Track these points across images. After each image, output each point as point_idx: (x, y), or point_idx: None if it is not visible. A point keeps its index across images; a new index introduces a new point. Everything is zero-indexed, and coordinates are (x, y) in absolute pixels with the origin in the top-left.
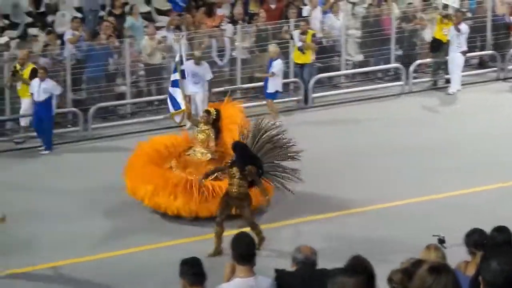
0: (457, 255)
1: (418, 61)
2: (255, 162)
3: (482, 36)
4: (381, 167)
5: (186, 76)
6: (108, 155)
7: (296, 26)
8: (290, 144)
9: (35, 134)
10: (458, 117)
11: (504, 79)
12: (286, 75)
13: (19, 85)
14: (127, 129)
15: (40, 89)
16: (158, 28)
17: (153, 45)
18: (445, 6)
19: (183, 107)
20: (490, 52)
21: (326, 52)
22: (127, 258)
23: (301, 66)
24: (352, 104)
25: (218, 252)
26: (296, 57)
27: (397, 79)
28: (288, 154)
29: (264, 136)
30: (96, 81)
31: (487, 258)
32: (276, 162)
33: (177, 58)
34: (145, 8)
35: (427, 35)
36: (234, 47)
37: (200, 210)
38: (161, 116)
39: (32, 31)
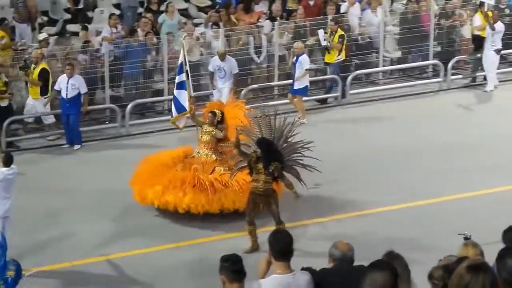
0: (495, 253)
1: (457, 58)
2: (279, 158)
3: None
4: (417, 165)
5: (189, 77)
6: (144, 152)
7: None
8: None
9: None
10: (495, 115)
11: None
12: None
13: (29, 84)
14: (164, 125)
15: (69, 85)
16: (196, 25)
17: (191, 42)
18: (482, 4)
19: (188, 109)
20: None
21: (364, 48)
22: (147, 257)
23: (327, 64)
24: (389, 101)
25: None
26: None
27: (435, 76)
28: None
29: (283, 133)
30: (134, 78)
31: (502, 256)
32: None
33: (181, 59)
34: (183, 5)
35: (466, 31)
36: (272, 43)
37: (210, 204)
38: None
39: (71, 27)
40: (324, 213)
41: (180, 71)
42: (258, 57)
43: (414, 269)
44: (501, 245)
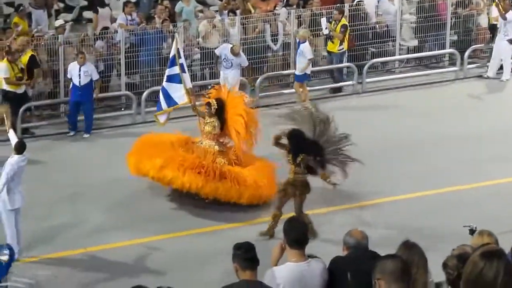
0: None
1: (473, 47)
2: (309, 150)
3: None
4: (432, 154)
5: (185, 70)
6: None
7: (350, 10)
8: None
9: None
10: (511, 105)
11: None
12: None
13: None
14: (180, 113)
15: (81, 73)
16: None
17: (208, 29)
18: None
19: (181, 101)
20: None
21: (381, 37)
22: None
23: (330, 53)
24: (405, 90)
25: (270, 234)
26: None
27: (452, 65)
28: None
29: (323, 125)
30: (150, 65)
31: None
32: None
33: (173, 52)
34: None
35: (483, 20)
36: (287, 31)
37: (205, 188)
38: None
39: (87, 14)
40: (338, 202)
41: (172, 64)
42: (275, 44)
43: (428, 258)
44: None
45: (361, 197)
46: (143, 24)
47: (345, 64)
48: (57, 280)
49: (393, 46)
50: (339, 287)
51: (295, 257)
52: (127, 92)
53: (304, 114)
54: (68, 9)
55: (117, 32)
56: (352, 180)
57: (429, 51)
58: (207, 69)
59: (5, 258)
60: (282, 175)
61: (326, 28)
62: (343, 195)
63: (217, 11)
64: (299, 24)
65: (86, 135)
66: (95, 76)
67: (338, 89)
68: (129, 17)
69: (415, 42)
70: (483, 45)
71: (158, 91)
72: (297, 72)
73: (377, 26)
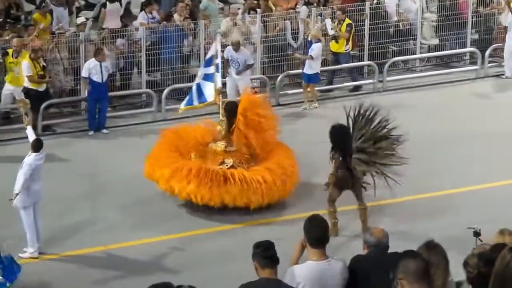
0: None
1: (494, 46)
2: (342, 147)
3: None
4: (453, 152)
5: (219, 70)
6: None
7: (371, 9)
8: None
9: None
10: None
11: None
12: (360, 58)
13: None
14: (201, 111)
15: (103, 69)
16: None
17: (229, 27)
18: None
19: (209, 99)
20: None
21: (402, 35)
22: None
23: (336, 54)
24: (426, 89)
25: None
26: (331, 45)
27: (473, 63)
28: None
29: (367, 122)
30: (171, 63)
31: None
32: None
33: (213, 52)
34: None
35: (504, 19)
36: (308, 29)
37: (211, 197)
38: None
39: None
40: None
41: (209, 64)
42: (296, 42)
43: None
44: None
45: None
46: (164, 22)
47: (366, 62)
48: (76, 278)
49: (414, 45)
50: (360, 286)
51: (316, 256)
52: (148, 90)
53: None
54: (89, 6)
55: (137, 30)
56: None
57: (450, 49)
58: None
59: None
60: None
61: (332, 29)
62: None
63: (239, 8)
64: (337, 23)
65: (106, 131)
66: (111, 70)
67: (357, 88)
68: (150, 15)
69: (436, 41)
70: (504, 44)
71: (179, 89)
72: (310, 72)
73: (400, 24)
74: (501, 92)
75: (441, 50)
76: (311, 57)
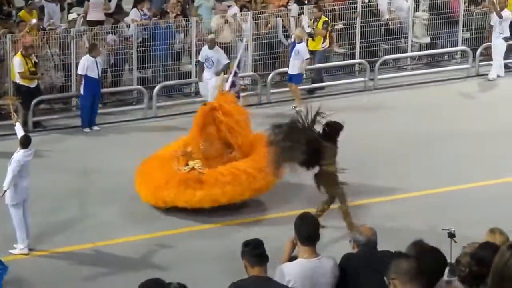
0: None
1: (486, 44)
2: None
3: None
4: (443, 151)
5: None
6: (171, 134)
7: (363, 7)
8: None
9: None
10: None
11: None
12: (352, 56)
13: None
14: (192, 107)
15: (98, 65)
16: (228, 7)
17: (220, 24)
18: None
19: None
20: None
21: (393, 33)
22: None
23: (312, 52)
24: (417, 87)
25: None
26: (308, 43)
27: (464, 62)
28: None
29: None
30: (162, 60)
31: None
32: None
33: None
34: None
35: (495, 18)
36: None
37: (190, 201)
38: None
39: None
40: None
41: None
42: (287, 40)
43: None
44: None
45: (370, 193)
46: (156, 19)
47: (357, 60)
48: (65, 274)
49: (405, 43)
50: (350, 284)
51: (307, 254)
52: (139, 87)
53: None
54: (81, 2)
55: (129, 26)
56: (363, 176)
57: (441, 48)
58: None
59: None
60: None
61: (308, 26)
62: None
63: (229, 6)
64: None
65: (97, 128)
66: (103, 65)
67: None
68: (141, 12)
69: (427, 39)
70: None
71: (170, 86)
72: (293, 72)
73: (389, 22)
74: (492, 90)
75: (433, 49)
76: (308, 59)
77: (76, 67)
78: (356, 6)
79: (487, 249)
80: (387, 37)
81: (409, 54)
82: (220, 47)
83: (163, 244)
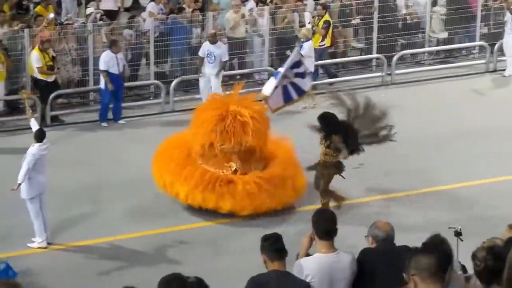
0: None
1: (504, 39)
2: (340, 132)
3: None
4: (461, 146)
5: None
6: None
7: (380, 1)
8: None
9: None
10: None
11: None
12: (369, 51)
13: None
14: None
15: (119, 61)
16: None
17: (236, 19)
18: None
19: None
20: None
21: (410, 29)
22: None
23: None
24: (434, 82)
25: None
26: None
27: (482, 57)
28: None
29: (362, 109)
30: (179, 54)
31: None
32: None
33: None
34: None
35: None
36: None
37: (204, 200)
38: (243, 90)
39: None
40: (365, 193)
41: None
42: None
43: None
44: None
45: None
46: (173, 14)
47: (374, 55)
48: (82, 268)
49: (422, 38)
50: (368, 279)
51: (324, 248)
52: (156, 81)
53: (345, 97)
54: None
55: (145, 20)
56: (380, 171)
57: (458, 43)
58: (235, 59)
59: None
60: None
61: (309, 23)
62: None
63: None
64: (330, 16)
65: (122, 122)
66: (124, 62)
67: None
68: (159, 6)
69: (445, 34)
70: None
71: (187, 81)
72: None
73: (407, 17)
74: (508, 87)
75: (450, 44)
76: (309, 57)
77: (93, 62)
78: (373, 0)
79: (505, 245)
80: (405, 32)
81: (426, 49)
82: (235, 41)
83: (179, 238)
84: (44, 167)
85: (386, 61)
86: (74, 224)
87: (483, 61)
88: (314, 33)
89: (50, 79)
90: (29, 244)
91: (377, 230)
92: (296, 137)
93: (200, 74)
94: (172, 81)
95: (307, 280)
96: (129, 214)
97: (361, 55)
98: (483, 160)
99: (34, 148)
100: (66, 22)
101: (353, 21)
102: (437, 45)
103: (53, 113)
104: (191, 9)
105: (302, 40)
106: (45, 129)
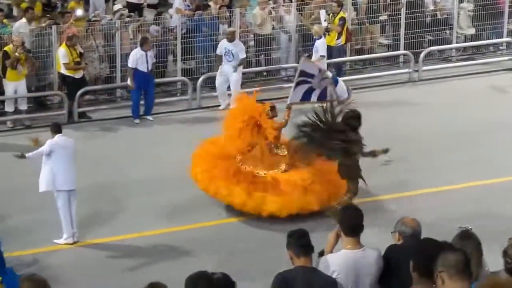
0: None
1: None
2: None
3: None
4: (489, 143)
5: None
6: (215, 125)
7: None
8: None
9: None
10: None
11: None
12: (396, 47)
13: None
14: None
15: (149, 58)
16: None
17: (263, 16)
18: None
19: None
20: None
21: (438, 25)
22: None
23: (328, 47)
24: (462, 78)
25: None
26: None
27: (509, 53)
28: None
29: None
30: (206, 51)
31: None
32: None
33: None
34: None
35: None
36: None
37: (246, 202)
38: (270, 86)
39: None
40: (389, 190)
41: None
42: None
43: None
44: None
45: (412, 185)
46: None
47: (401, 51)
48: (108, 264)
49: (450, 34)
50: (394, 276)
51: (350, 245)
52: (183, 78)
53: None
54: None
55: (172, 17)
56: (408, 168)
57: (486, 39)
58: (262, 55)
59: None
60: None
61: (324, 21)
62: (397, 183)
63: None
64: (357, 12)
65: (151, 118)
66: (154, 59)
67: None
68: (186, 2)
69: (472, 31)
70: None
71: (214, 77)
72: None
73: (436, 14)
74: None
75: (478, 40)
76: (323, 56)
77: (121, 59)
78: (342, 2)
79: None
80: (432, 28)
81: (454, 45)
82: (262, 38)
83: (205, 234)
84: (71, 163)
85: (414, 57)
86: (102, 220)
87: (510, 57)
88: (329, 30)
89: (78, 75)
90: (55, 240)
91: (404, 226)
92: None
93: (218, 73)
94: (198, 77)
95: (333, 276)
96: (159, 210)
97: (388, 51)
98: (504, 155)
99: (53, 139)
100: (94, 18)
101: (380, 17)
102: (465, 42)
103: (80, 109)
104: (218, 6)
105: (315, 37)
106: (72, 125)
